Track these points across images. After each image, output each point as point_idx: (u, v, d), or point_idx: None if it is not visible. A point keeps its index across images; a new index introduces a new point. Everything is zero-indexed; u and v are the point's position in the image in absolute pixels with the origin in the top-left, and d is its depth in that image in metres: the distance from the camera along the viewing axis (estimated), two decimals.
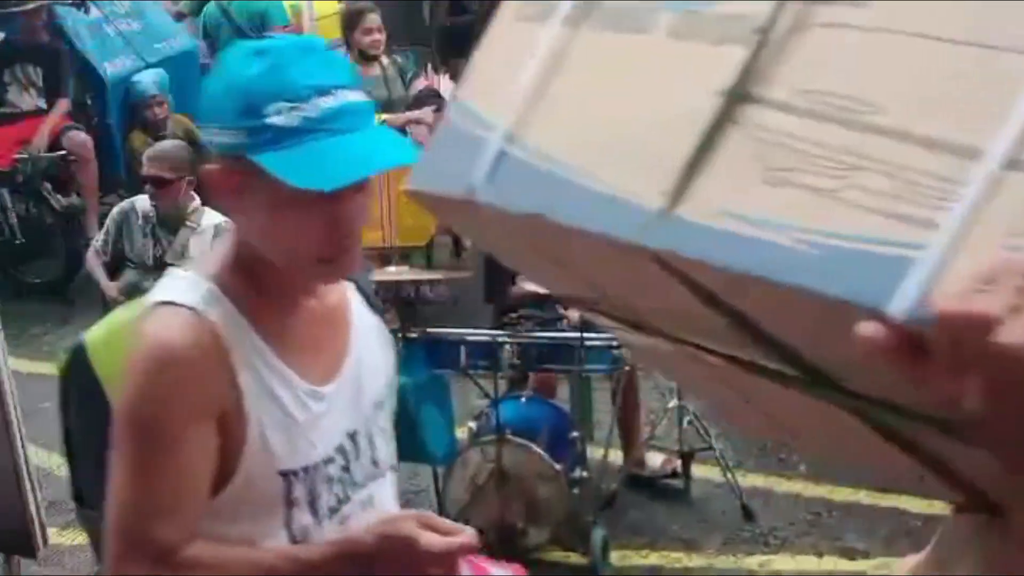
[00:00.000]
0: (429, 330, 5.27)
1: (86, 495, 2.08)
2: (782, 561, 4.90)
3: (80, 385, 2.06)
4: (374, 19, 7.56)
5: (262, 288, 1.84)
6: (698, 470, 5.43)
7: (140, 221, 5.65)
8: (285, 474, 1.84)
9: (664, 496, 5.37)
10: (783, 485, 5.49)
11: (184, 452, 1.75)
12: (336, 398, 1.91)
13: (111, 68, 8.48)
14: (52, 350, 7.21)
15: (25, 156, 7.86)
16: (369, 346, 2.01)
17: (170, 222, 5.62)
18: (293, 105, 1.70)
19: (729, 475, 5.24)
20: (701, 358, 1.04)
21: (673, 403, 5.35)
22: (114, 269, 5.74)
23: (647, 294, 1.01)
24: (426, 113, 7.52)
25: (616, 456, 5.37)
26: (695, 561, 4.94)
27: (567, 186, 0.98)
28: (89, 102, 8.53)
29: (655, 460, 5.45)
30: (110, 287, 5.69)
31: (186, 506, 1.78)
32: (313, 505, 1.88)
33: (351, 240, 1.82)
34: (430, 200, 1.16)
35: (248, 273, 1.83)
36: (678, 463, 5.38)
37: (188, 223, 5.60)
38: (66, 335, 7.42)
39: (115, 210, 5.83)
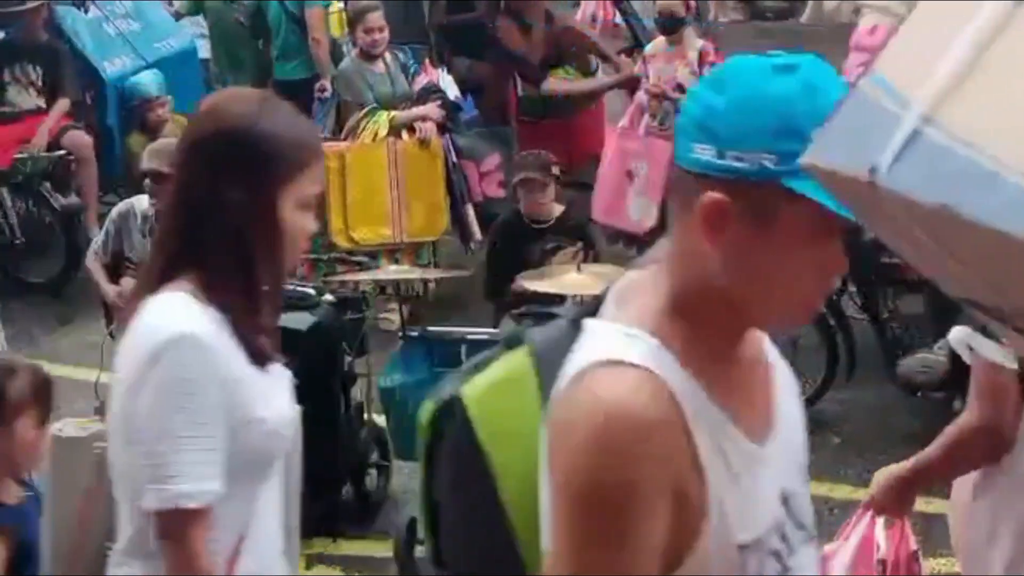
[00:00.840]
0: (430, 329, 5.26)
1: (449, 561, 1.86)
2: None
3: (455, 443, 1.79)
4: (376, 18, 7.58)
5: (701, 336, 1.63)
6: None
7: (139, 222, 5.64)
8: (742, 548, 1.63)
9: None
10: None
11: (646, 535, 1.53)
12: (773, 458, 1.70)
13: (110, 67, 8.47)
14: (52, 350, 7.21)
15: (25, 156, 7.85)
16: (789, 397, 1.80)
17: None
18: None
19: None
20: None
21: None
22: (113, 270, 5.73)
23: None
24: (432, 109, 7.52)
25: None
26: None
27: (983, 177, 0.89)
28: (88, 101, 8.52)
29: None
30: (109, 289, 5.68)
31: None
32: None
33: (835, 284, 1.67)
34: (825, 175, 1.07)
35: (687, 320, 1.62)
36: None
37: None
38: (66, 335, 7.42)
39: (114, 211, 5.82)
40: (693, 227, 1.58)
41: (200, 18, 9.14)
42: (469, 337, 5.14)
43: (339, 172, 7.05)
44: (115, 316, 5.77)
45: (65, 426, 2.79)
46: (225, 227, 2.27)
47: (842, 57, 8.33)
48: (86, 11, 8.74)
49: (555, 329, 1.75)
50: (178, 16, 9.26)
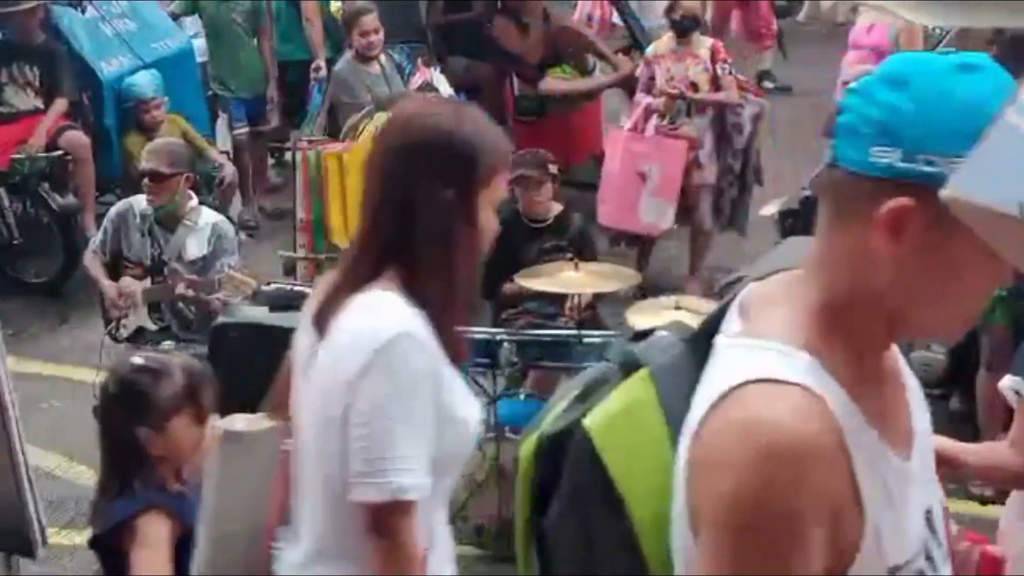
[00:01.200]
0: None
1: None
2: None
3: (579, 476, 1.67)
4: (371, 21, 7.58)
5: (850, 348, 1.55)
6: None
7: (137, 221, 5.65)
8: (893, 570, 1.55)
9: None
10: None
11: (807, 561, 1.44)
12: (918, 474, 1.63)
13: (107, 67, 8.45)
14: (50, 349, 7.21)
15: (23, 156, 7.84)
16: (921, 409, 1.72)
17: (167, 221, 5.61)
18: None
19: None
20: None
21: None
22: (112, 269, 5.73)
23: None
24: None
25: None
26: None
27: None
28: (86, 102, 8.52)
29: None
30: (109, 287, 5.67)
31: None
32: None
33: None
34: (967, 208, 1.05)
35: (838, 331, 1.54)
36: None
37: (185, 222, 5.59)
38: (64, 334, 7.42)
39: (112, 211, 5.82)
40: (861, 233, 1.49)
41: (197, 18, 9.16)
42: (466, 336, 5.14)
43: (338, 172, 7.03)
44: (112, 314, 5.76)
45: (234, 421, 2.79)
46: (437, 227, 2.36)
47: (839, 55, 8.35)
48: (83, 11, 8.72)
49: (670, 351, 1.68)
50: (174, 17, 9.26)
